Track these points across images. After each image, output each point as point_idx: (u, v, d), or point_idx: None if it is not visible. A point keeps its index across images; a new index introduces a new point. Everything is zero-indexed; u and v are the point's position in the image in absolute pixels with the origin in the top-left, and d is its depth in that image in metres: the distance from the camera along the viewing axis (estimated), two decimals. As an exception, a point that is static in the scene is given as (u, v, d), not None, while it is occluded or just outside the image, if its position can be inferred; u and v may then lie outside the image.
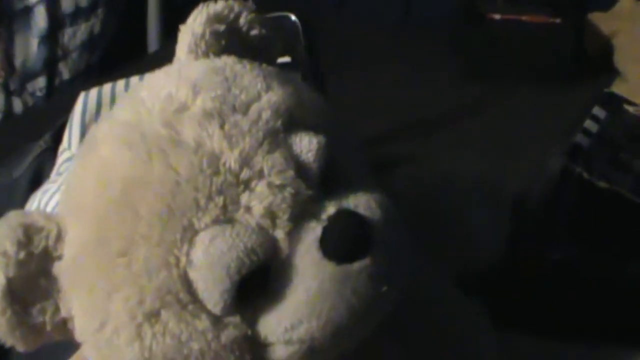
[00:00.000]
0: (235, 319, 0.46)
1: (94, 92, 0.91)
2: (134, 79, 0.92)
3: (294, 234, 0.46)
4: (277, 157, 0.47)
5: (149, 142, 0.47)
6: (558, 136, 0.88)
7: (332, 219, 0.46)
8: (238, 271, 0.45)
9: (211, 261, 0.45)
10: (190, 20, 0.53)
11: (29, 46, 1.31)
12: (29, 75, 1.32)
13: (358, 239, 0.46)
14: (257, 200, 0.46)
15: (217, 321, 0.46)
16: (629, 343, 0.71)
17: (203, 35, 0.52)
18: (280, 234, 0.46)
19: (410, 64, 1.22)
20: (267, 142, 0.47)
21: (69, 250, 0.49)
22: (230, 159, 0.46)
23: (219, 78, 0.50)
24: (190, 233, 0.46)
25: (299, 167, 0.47)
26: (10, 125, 1.30)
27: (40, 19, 1.30)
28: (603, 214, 0.79)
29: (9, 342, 0.49)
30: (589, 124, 0.85)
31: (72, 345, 0.51)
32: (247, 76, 0.50)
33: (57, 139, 0.93)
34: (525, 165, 0.90)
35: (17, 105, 1.34)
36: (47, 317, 0.49)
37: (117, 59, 1.29)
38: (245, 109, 0.48)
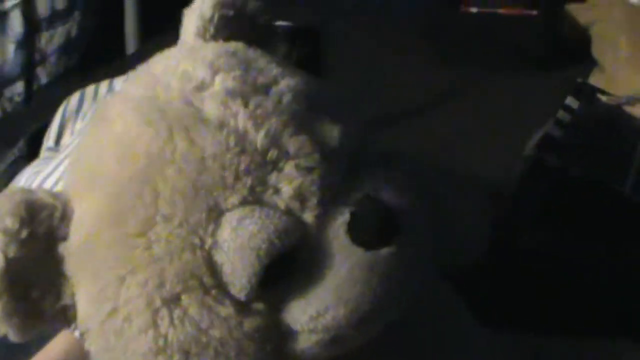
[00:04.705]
0: (260, 306, 0.45)
1: (77, 93, 0.91)
2: (118, 80, 0.91)
3: (322, 218, 0.45)
4: (304, 139, 0.45)
5: (170, 119, 0.45)
6: (533, 128, 0.88)
7: (360, 205, 0.45)
8: (268, 254, 0.43)
9: (240, 243, 0.43)
10: (198, 3, 0.52)
11: (6, 51, 1.30)
12: (6, 81, 1.31)
13: (386, 225, 0.45)
14: (286, 182, 0.44)
15: (241, 308, 0.44)
16: (603, 331, 0.71)
17: (212, 19, 0.51)
18: (309, 218, 0.45)
19: (387, 54, 1.22)
20: (292, 124, 0.45)
21: (76, 230, 0.46)
22: (257, 139, 0.44)
23: (234, 60, 0.48)
24: (215, 213, 0.44)
25: (325, 152, 0.46)
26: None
27: (16, 23, 1.29)
28: (576, 201, 0.78)
29: (3, 329, 0.46)
30: (561, 114, 0.85)
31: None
32: (260, 61, 0.49)
33: (31, 147, 0.92)
34: (501, 154, 0.90)
35: (-5, 111, 1.33)
36: (47, 304, 0.46)
37: (96, 62, 1.28)
38: (266, 91, 0.47)
